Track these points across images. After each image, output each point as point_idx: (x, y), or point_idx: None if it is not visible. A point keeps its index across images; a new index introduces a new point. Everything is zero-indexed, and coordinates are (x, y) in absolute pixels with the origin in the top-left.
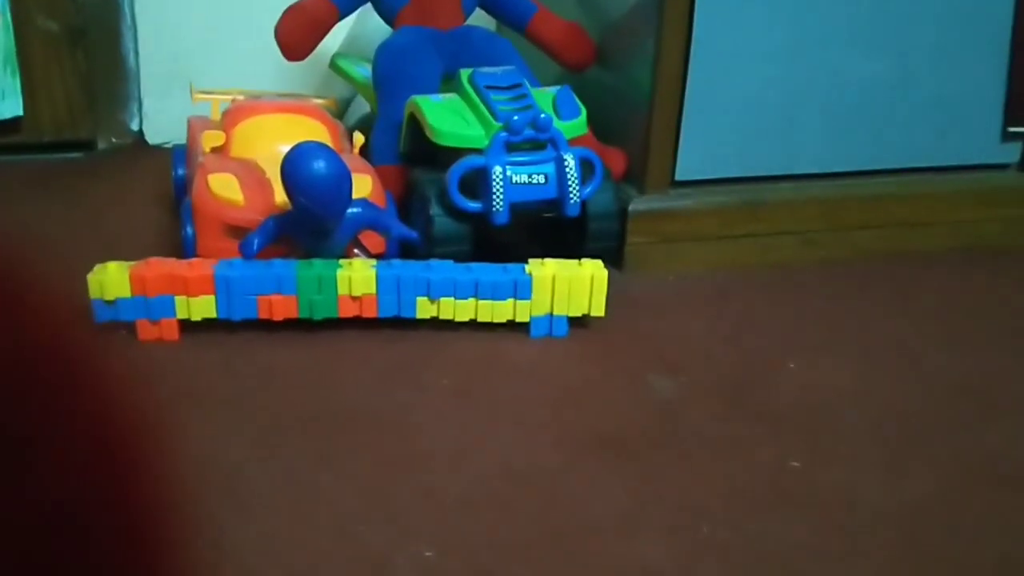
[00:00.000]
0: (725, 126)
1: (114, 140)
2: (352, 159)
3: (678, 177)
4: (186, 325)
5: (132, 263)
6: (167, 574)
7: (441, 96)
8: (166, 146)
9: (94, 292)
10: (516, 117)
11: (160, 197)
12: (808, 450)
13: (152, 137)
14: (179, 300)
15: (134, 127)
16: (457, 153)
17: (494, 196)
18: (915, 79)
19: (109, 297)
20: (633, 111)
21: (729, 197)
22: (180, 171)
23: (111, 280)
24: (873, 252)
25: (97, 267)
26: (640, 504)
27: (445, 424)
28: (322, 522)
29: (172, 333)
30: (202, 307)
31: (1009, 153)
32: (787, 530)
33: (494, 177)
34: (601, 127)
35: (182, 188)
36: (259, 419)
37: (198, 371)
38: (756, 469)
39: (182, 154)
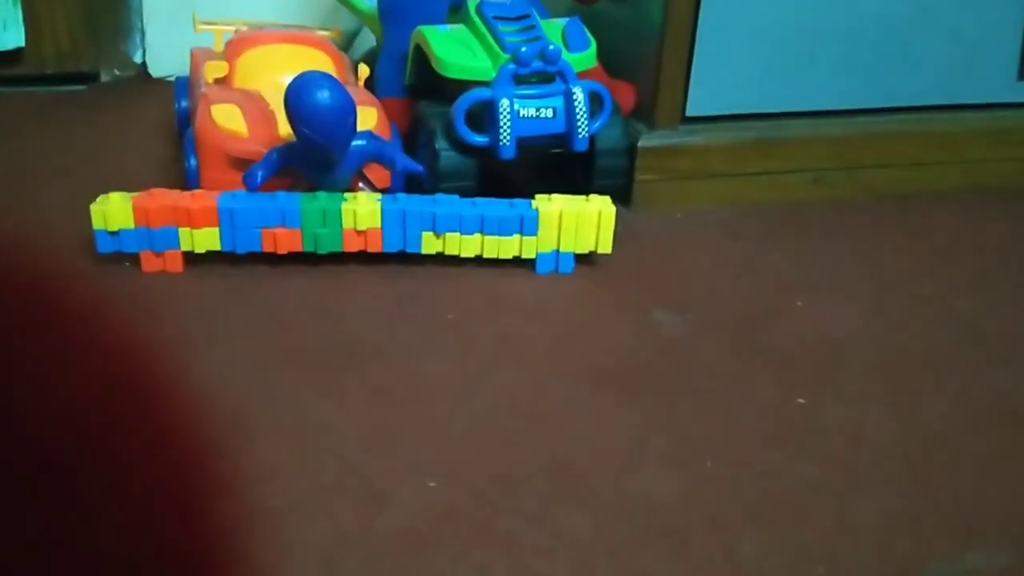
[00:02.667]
0: (737, 61)
1: (117, 72)
2: (357, 91)
3: (689, 113)
4: (190, 257)
5: (135, 194)
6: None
7: (448, 27)
8: (169, 79)
9: (97, 223)
10: (524, 48)
11: (163, 130)
12: (814, 387)
13: (155, 69)
14: (183, 232)
15: (137, 59)
16: (464, 85)
17: (501, 130)
18: (931, 16)
19: (112, 228)
20: (644, 45)
21: (740, 134)
22: (183, 103)
23: (114, 211)
24: (885, 191)
25: (100, 197)
26: (644, 438)
27: (449, 359)
28: (326, 453)
29: (176, 265)
30: (206, 239)
31: None
32: (791, 465)
33: (501, 110)
34: (611, 61)
35: (185, 120)
36: (263, 351)
37: (202, 303)
38: (761, 405)
39: (185, 85)
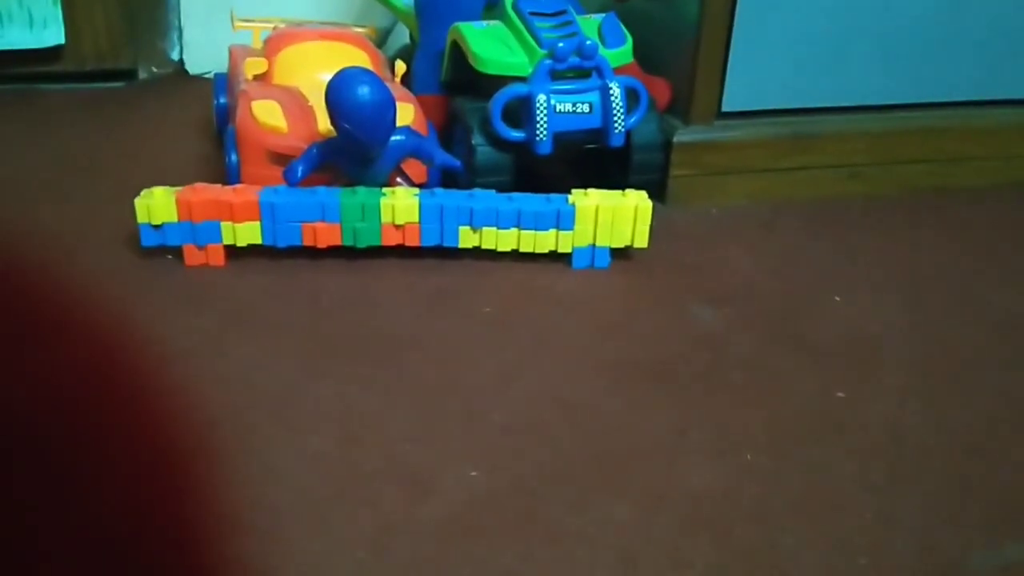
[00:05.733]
0: (774, 56)
1: (155, 70)
2: (394, 88)
3: (724, 108)
4: (231, 251)
5: (178, 188)
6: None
7: (484, 23)
8: (206, 76)
9: (141, 216)
10: (561, 44)
11: (201, 126)
12: (853, 382)
13: (192, 67)
14: (225, 226)
15: (174, 57)
16: (500, 81)
17: (538, 125)
18: (969, 10)
19: (156, 222)
20: (679, 40)
21: (776, 129)
22: (222, 100)
23: (158, 205)
24: (921, 187)
25: (144, 192)
26: (683, 431)
27: (488, 351)
28: (369, 443)
29: (218, 259)
30: (247, 233)
31: None
32: (831, 459)
33: (538, 105)
34: (646, 56)
35: (224, 117)
36: (305, 343)
37: (245, 296)
38: (800, 399)
39: (224, 82)
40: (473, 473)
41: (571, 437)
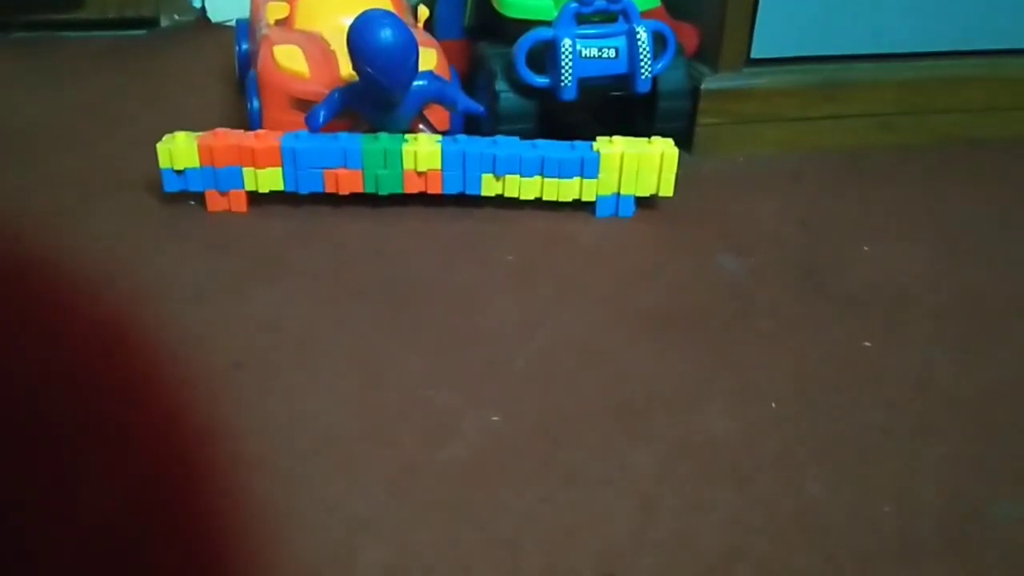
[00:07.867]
0: (804, 2)
1: (177, 17)
2: (417, 33)
3: (754, 55)
4: (253, 198)
5: (200, 133)
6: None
7: None
8: (227, 23)
9: (163, 161)
10: None
11: (223, 74)
12: (880, 331)
13: (214, 15)
14: (247, 171)
15: (196, 4)
16: (524, 26)
17: (562, 70)
18: None
19: (178, 167)
20: None
21: (806, 77)
22: (244, 46)
23: (180, 149)
24: (952, 137)
25: (166, 137)
26: (707, 379)
27: (510, 299)
28: (392, 387)
29: (240, 204)
30: (269, 179)
31: None
32: (857, 408)
33: (563, 50)
34: (674, 1)
35: (246, 63)
36: (327, 289)
37: (267, 242)
38: (826, 348)
39: (246, 29)
40: (495, 418)
41: (594, 384)
